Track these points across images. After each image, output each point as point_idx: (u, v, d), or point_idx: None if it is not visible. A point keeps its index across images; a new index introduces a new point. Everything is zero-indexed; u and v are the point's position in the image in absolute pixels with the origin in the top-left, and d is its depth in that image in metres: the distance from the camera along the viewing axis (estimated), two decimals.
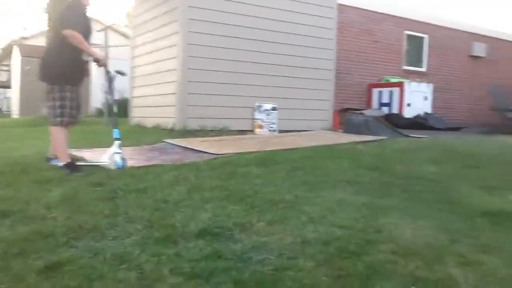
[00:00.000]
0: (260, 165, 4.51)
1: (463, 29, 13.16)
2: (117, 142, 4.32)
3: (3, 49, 23.93)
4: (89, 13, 4.61)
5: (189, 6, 7.46)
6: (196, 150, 5.53)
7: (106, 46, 10.26)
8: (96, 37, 10.68)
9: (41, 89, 5.21)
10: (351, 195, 3.64)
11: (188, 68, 7.43)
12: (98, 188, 3.53)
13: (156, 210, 3.02)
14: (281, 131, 8.06)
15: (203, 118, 7.48)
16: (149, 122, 8.36)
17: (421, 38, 12.63)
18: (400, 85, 10.94)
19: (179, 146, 5.92)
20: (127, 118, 9.34)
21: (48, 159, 4.50)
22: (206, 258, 2.28)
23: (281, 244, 2.51)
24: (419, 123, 9.90)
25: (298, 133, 7.91)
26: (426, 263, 2.34)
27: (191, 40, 7.44)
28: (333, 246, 2.50)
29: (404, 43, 12.31)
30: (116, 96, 4.66)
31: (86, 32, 4.41)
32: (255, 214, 2.97)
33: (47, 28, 11.06)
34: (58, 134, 4.35)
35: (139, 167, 4.37)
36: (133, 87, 9.38)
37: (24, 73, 16.66)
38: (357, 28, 11.26)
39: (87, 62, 4.53)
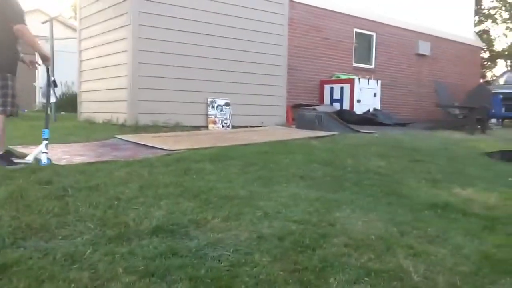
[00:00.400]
0: (214, 161, 4.49)
1: (409, 28, 13.62)
2: (44, 142, 4.28)
3: None
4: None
5: None
6: (149, 146, 5.44)
7: (51, 39, 9.81)
8: (41, 29, 10.33)
9: None
10: (305, 189, 3.71)
11: (139, 63, 7.27)
12: (47, 186, 3.39)
13: (108, 208, 2.94)
14: (234, 127, 8.07)
15: (155, 113, 7.36)
16: (99, 118, 8.14)
17: (370, 36, 12.96)
18: (350, 81, 11.19)
19: (131, 142, 5.80)
20: (76, 114, 9.04)
21: None
22: (161, 256, 2.25)
23: (236, 240, 2.52)
24: (369, 119, 10.17)
25: (252, 128, 7.94)
26: (377, 255, 2.42)
27: (142, 33, 7.29)
28: (288, 240, 2.54)
29: (354, 40, 12.59)
30: (53, 99, 4.61)
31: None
32: (210, 211, 2.96)
33: None
34: None
35: (90, 163, 4.25)
36: (81, 81, 9.09)
37: None
38: (307, 25, 11.39)
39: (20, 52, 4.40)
